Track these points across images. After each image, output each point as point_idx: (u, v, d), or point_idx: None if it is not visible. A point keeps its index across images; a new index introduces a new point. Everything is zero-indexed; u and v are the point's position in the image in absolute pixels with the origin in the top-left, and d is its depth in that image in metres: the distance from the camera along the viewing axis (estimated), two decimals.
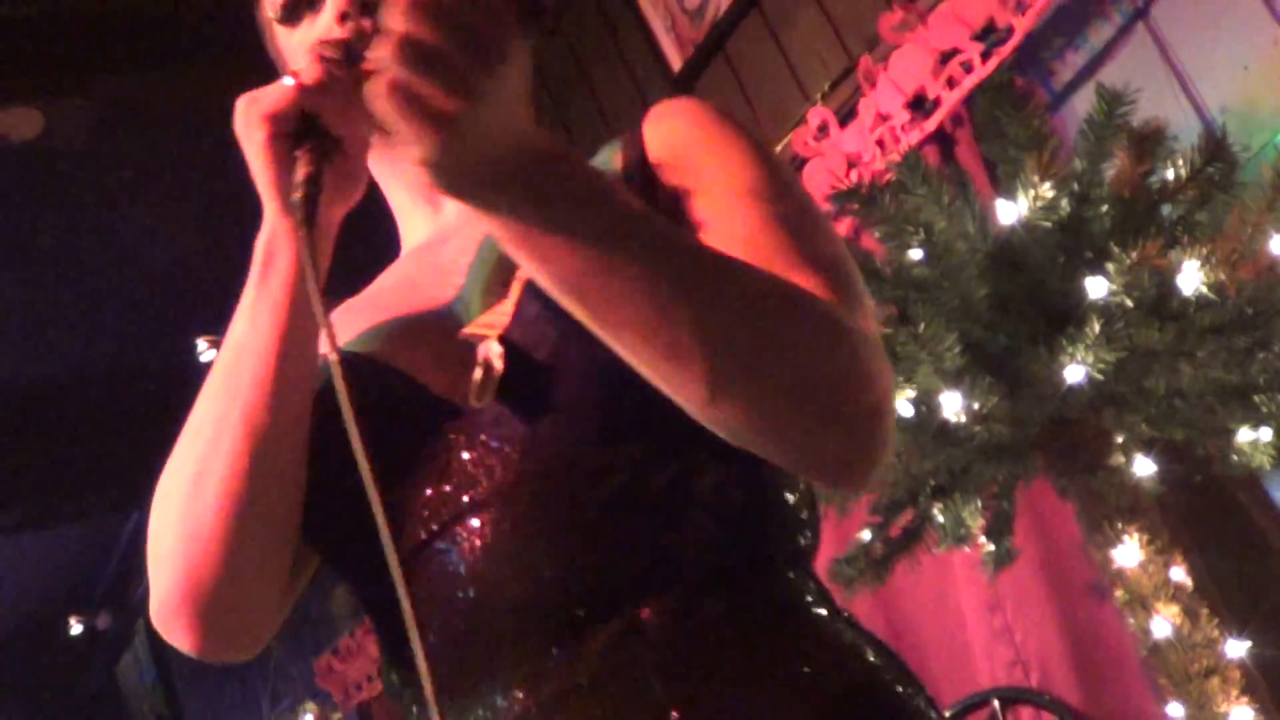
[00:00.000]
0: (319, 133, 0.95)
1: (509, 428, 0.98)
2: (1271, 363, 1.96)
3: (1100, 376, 1.96)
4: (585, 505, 0.96)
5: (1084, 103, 2.55)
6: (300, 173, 0.92)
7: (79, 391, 5.39)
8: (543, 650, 0.94)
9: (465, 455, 0.99)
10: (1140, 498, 2.10)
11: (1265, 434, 2.03)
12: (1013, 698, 2.75)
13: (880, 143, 2.94)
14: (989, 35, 2.73)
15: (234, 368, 1.00)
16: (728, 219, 1.00)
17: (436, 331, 1.05)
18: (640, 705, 0.92)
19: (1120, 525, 2.07)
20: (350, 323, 1.11)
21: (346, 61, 1.00)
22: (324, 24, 1.11)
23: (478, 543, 0.97)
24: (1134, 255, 1.93)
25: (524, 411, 0.98)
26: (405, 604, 0.80)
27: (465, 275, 1.07)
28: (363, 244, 1.31)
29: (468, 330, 1.02)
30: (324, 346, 0.97)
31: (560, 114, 4.09)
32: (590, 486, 0.96)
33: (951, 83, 2.78)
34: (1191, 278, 1.95)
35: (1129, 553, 2.05)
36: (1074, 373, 1.96)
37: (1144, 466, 2.09)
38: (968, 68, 2.74)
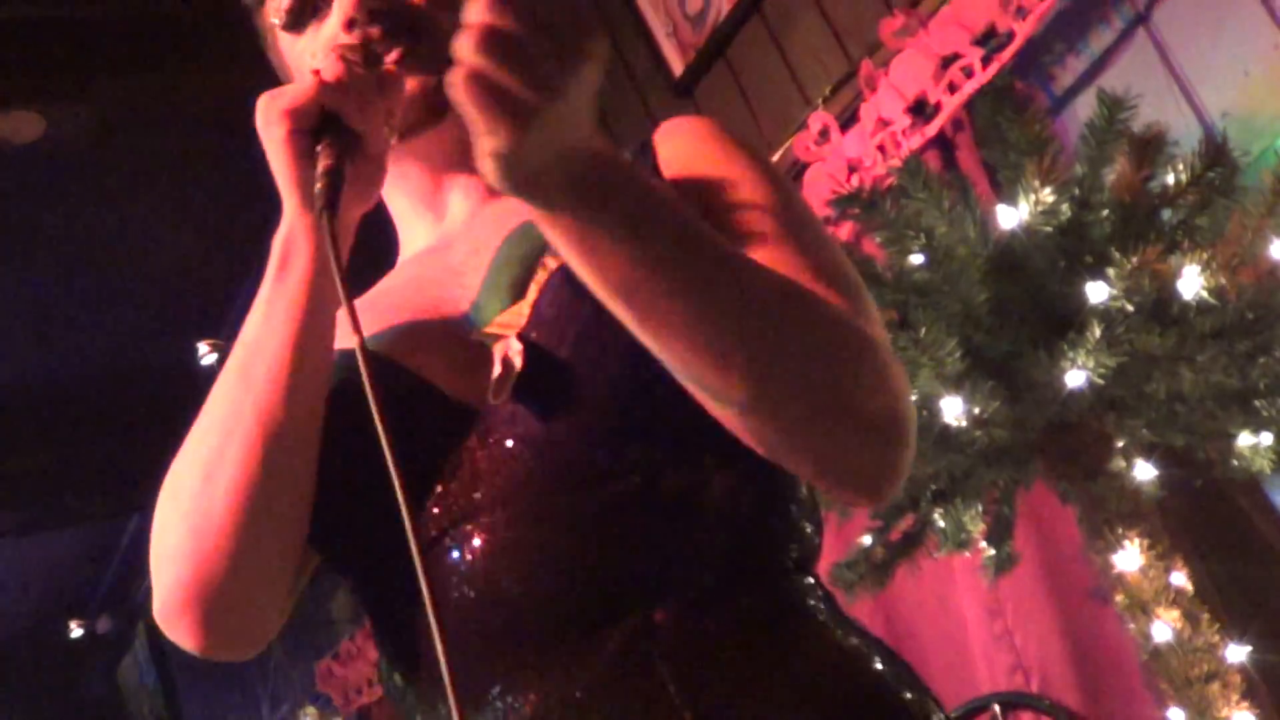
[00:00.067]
0: (339, 129, 0.96)
1: (524, 427, 0.98)
2: (1272, 367, 1.96)
3: (1101, 381, 1.96)
4: (597, 506, 0.96)
5: (1085, 108, 2.56)
6: (321, 165, 0.93)
7: (79, 394, 5.39)
8: (553, 651, 0.94)
9: (478, 454, 0.99)
10: (1141, 502, 2.10)
11: (1266, 438, 2.03)
12: (1013, 703, 2.75)
13: (881, 148, 2.94)
14: (990, 40, 2.73)
15: (249, 364, 1.00)
16: (743, 234, 1.01)
17: (447, 332, 1.05)
18: (655, 706, 0.92)
19: (1121, 530, 2.07)
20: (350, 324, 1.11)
21: (368, 63, 1.00)
22: (329, 30, 1.11)
23: (488, 541, 0.96)
24: (1134, 260, 1.93)
25: (539, 411, 0.98)
26: (428, 599, 0.79)
27: (477, 276, 1.07)
28: (361, 248, 1.31)
29: (486, 329, 1.02)
30: (342, 336, 0.97)
31: None
32: (602, 488, 0.96)
33: (952, 88, 2.78)
34: (1192, 282, 1.95)
35: (1129, 557, 2.05)
36: (1074, 377, 1.97)
37: (1145, 471, 2.09)
38: (968, 73, 2.74)
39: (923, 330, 1.99)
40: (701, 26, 3.53)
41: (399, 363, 1.04)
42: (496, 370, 0.99)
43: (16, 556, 6.86)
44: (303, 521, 1.01)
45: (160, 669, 7.83)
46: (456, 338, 1.04)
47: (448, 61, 1.12)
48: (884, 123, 2.93)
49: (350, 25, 1.08)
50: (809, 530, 1.04)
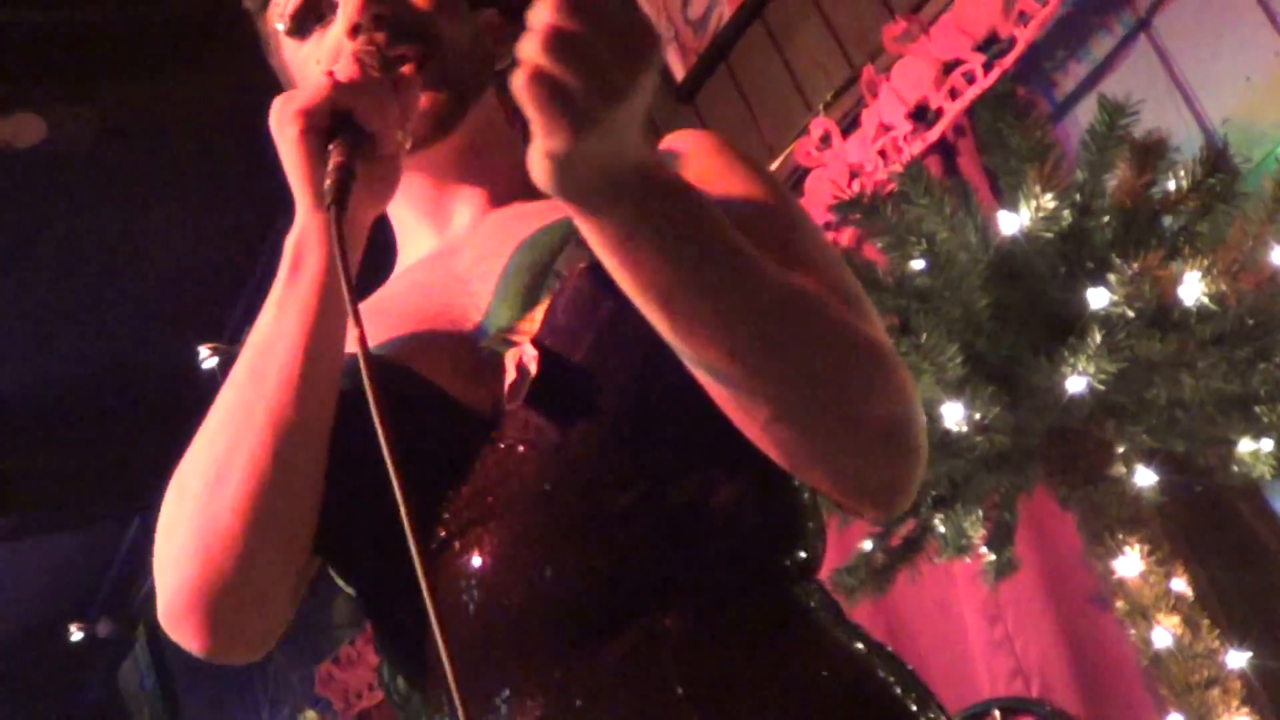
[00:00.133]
0: (352, 129, 0.96)
1: (536, 433, 0.98)
2: (1272, 373, 1.96)
3: (1101, 387, 1.96)
4: (606, 513, 0.96)
5: (1086, 114, 2.56)
6: (332, 161, 0.93)
7: (80, 397, 5.38)
8: (560, 656, 0.94)
9: (489, 459, 0.99)
10: (1141, 508, 2.10)
11: (1266, 444, 2.03)
12: (1013, 708, 2.74)
13: (882, 153, 2.94)
14: (991, 46, 2.74)
15: (260, 365, 0.99)
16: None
17: (457, 338, 1.05)
18: (663, 711, 0.92)
19: (1121, 536, 2.07)
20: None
21: (382, 65, 1.00)
22: (334, 36, 1.11)
23: (497, 546, 0.96)
24: (1135, 266, 1.93)
25: (551, 417, 0.98)
26: (429, 604, 0.80)
27: (484, 283, 1.07)
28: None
29: (498, 336, 1.02)
30: (352, 340, 0.98)
31: None
32: (612, 495, 0.96)
33: (954, 93, 2.78)
34: (1193, 288, 1.95)
35: (1130, 563, 2.05)
36: (1075, 383, 1.97)
37: (1145, 477, 2.09)
38: (970, 78, 2.75)
39: (924, 336, 1.99)
40: (703, 32, 3.53)
41: (409, 368, 1.03)
42: (511, 376, 0.99)
43: (17, 559, 6.86)
44: (311, 524, 1.01)
45: (160, 673, 7.82)
46: (466, 344, 1.04)
47: (458, 78, 1.12)
48: (885, 128, 2.94)
49: (355, 31, 1.08)
50: (812, 536, 1.05)
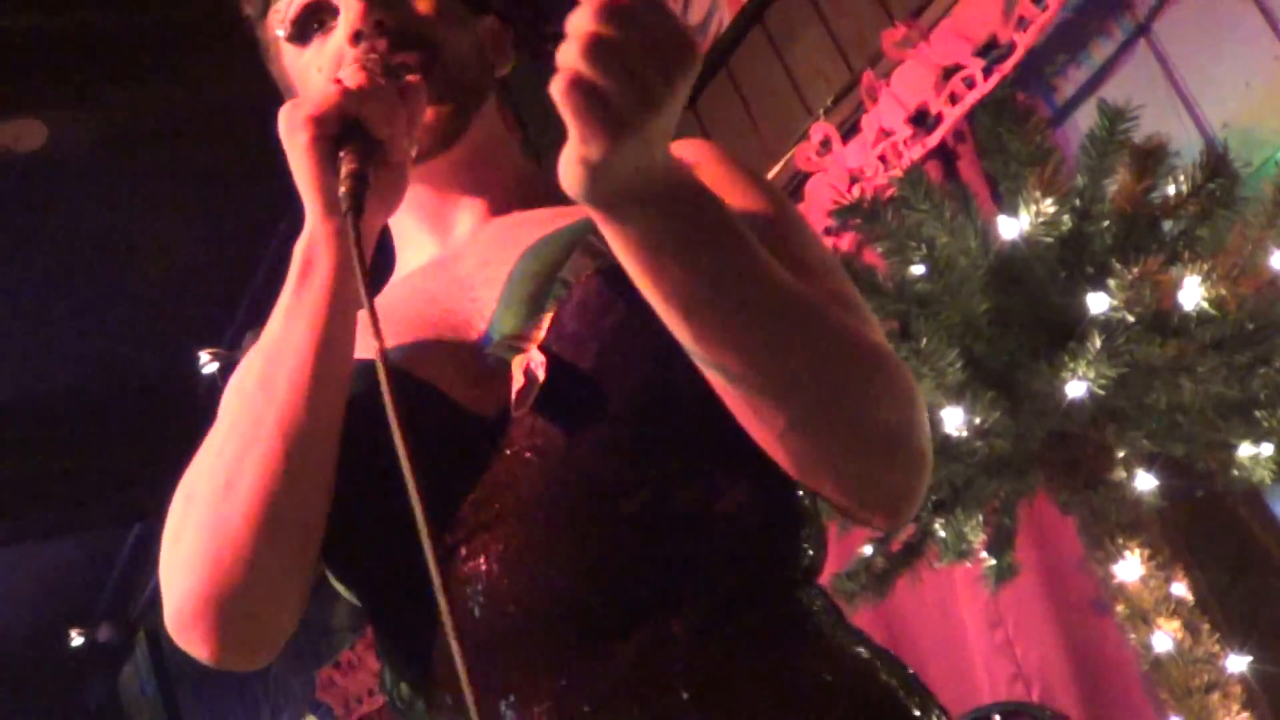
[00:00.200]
0: (362, 136, 0.96)
1: (543, 439, 0.98)
2: (1272, 378, 1.96)
3: (1101, 392, 1.96)
4: (612, 519, 0.96)
5: (1086, 119, 2.56)
6: (345, 169, 0.93)
7: (81, 403, 5.39)
8: (566, 662, 0.94)
9: (496, 466, 0.98)
10: (1141, 513, 2.10)
11: (1266, 449, 2.03)
12: (1014, 712, 2.74)
13: (882, 158, 2.94)
14: (991, 51, 2.74)
15: (270, 371, 0.99)
16: None
17: (461, 345, 1.05)
18: (668, 714, 0.92)
19: (1121, 540, 2.07)
20: (363, 335, 1.10)
21: (385, 73, 1.00)
22: (335, 43, 1.11)
23: (504, 552, 0.96)
24: (1135, 271, 1.94)
25: (558, 424, 0.98)
26: (444, 608, 0.79)
27: (488, 290, 1.07)
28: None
29: (504, 342, 1.02)
30: (360, 347, 0.97)
31: (563, 129, 4.09)
32: (618, 501, 0.96)
33: (954, 98, 2.79)
34: (1193, 293, 1.95)
35: (1130, 568, 2.05)
36: (1075, 388, 1.97)
37: (1145, 481, 2.09)
38: (970, 83, 2.75)
39: (924, 340, 1.99)
40: (703, 37, 3.53)
41: (415, 375, 1.03)
42: (519, 382, 0.99)
43: (17, 565, 6.86)
44: (320, 529, 1.00)
45: (160, 678, 7.82)
46: (471, 350, 1.04)
47: (460, 85, 1.12)
48: (885, 133, 2.94)
49: (356, 38, 1.08)
50: (814, 542, 1.05)
